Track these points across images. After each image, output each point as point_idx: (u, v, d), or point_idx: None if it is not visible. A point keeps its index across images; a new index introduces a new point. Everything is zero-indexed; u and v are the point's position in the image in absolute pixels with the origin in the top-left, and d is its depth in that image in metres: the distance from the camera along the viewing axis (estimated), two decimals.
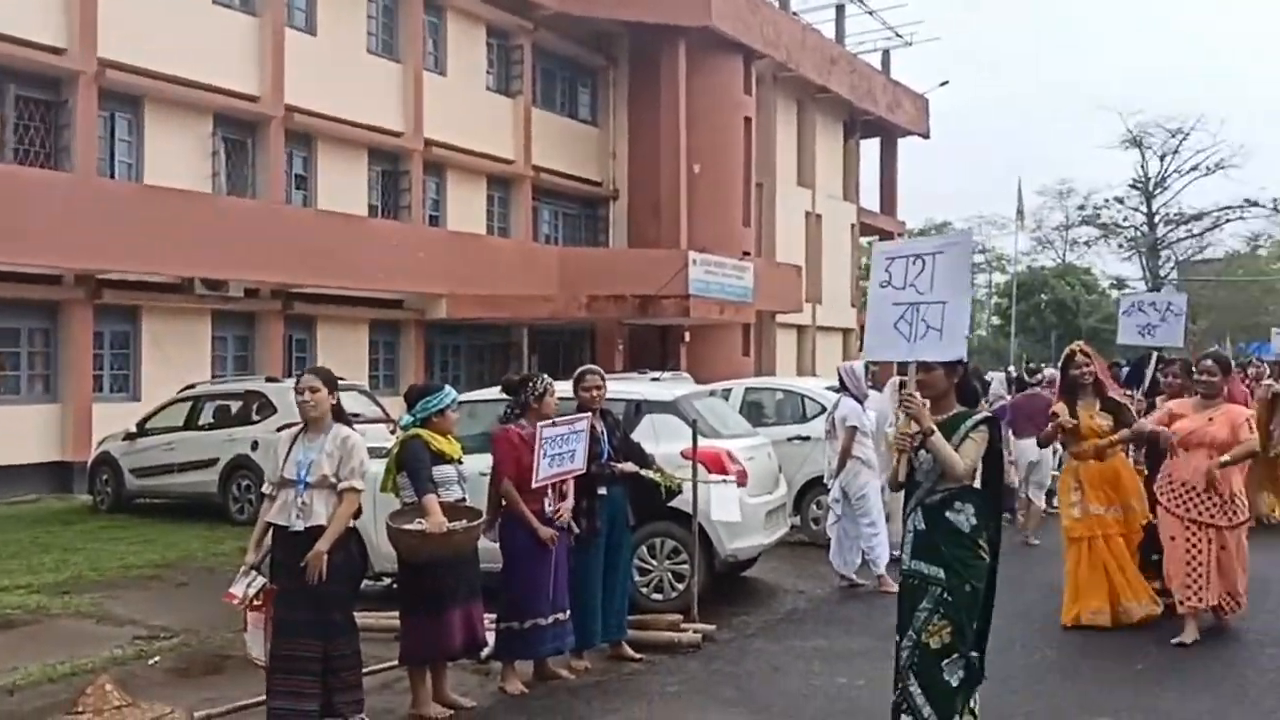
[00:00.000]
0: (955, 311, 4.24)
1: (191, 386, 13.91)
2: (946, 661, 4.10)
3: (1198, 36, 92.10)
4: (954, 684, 4.10)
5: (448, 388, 5.74)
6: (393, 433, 5.97)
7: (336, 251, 17.72)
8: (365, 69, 20.14)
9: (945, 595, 4.12)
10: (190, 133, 17.58)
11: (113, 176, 16.67)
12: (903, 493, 4.42)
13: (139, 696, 4.98)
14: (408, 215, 21.08)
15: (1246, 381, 11.57)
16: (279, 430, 5.50)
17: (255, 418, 12.59)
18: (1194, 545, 6.45)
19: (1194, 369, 6.88)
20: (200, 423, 13.12)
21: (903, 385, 4.44)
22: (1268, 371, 11.99)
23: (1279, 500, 11.00)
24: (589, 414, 6.05)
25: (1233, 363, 7.81)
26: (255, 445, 12.19)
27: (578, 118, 26.25)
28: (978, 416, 4.29)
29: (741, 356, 24.69)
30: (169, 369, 16.14)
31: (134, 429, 13.48)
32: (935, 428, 4.15)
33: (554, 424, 5.75)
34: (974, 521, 4.19)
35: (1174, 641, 6.40)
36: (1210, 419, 6.44)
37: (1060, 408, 7.11)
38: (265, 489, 5.14)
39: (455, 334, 22.20)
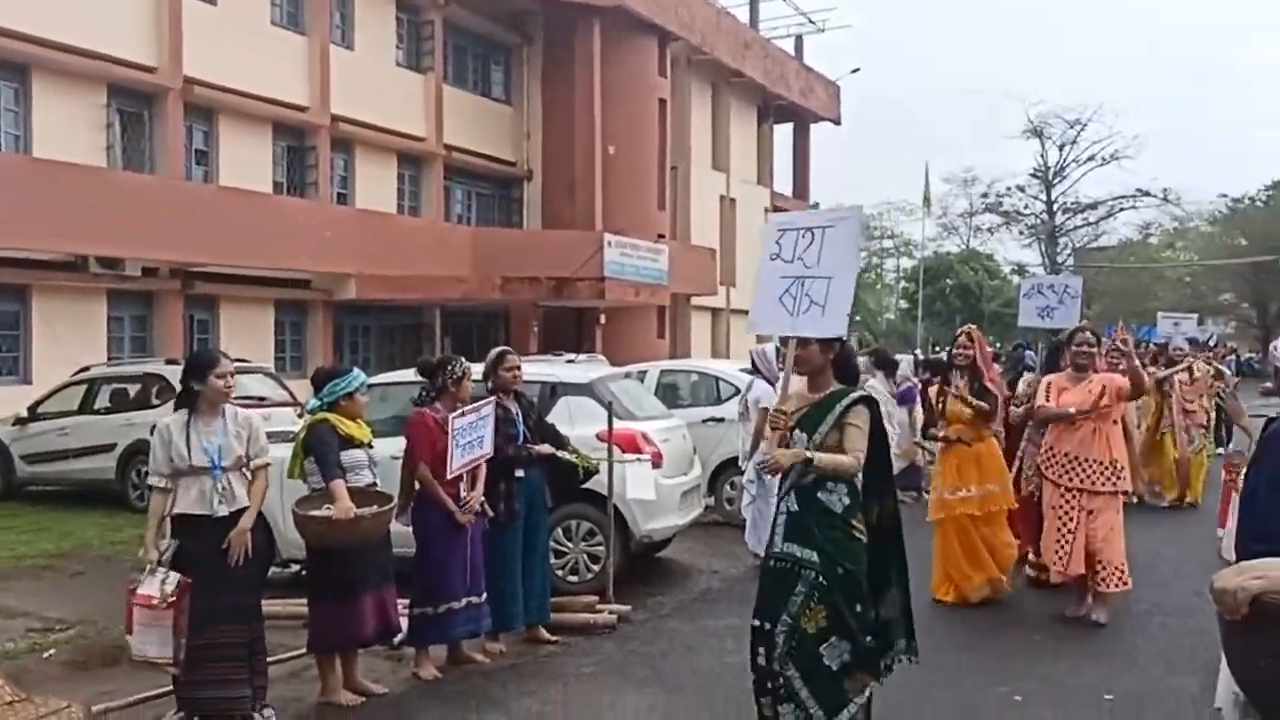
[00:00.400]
0: (840, 288, 4.21)
1: (86, 369, 13.39)
2: (825, 646, 3.99)
3: (1098, 29, 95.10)
4: (835, 668, 3.99)
5: (356, 370, 5.64)
6: (300, 416, 5.83)
7: (240, 229, 17.19)
8: (269, 41, 19.55)
9: (819, 579, 4.00)
10: (82, 104, 16.85)
11: None
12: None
13: (33, 691, 4.80)
14: (314, 193, 20.57)
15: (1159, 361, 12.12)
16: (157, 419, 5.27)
17: (155, 401, 12.16)
18: (1066, 513, 6.54)
19: (1069, 343, 7.02)
20: (96, 407, 12.64)
21: (770, 411, 4.33)
22: (1186, 350, 12.40)
23: (1166, 483, 11.30)
24: (493, 399, 5.97)
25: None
26: (154, 430, 11.76)
27: (491, 96, 25.92)
28: (854, 396, 4.19)
29: (656, 339, 24.76)
30: (62, 351, 15.50)
31: (25, 414, 12.93)
32: (814, 456, 4.06)
33: (462, 414, 5.66)
34: (846, 502, 4.08)
35: (1067, 614, 6.63)
36: (1090, 389, 6.59)
37: (934, 391, 7.50)
38: (156, 481, 4.88)
39: (365, 315, 21.79)
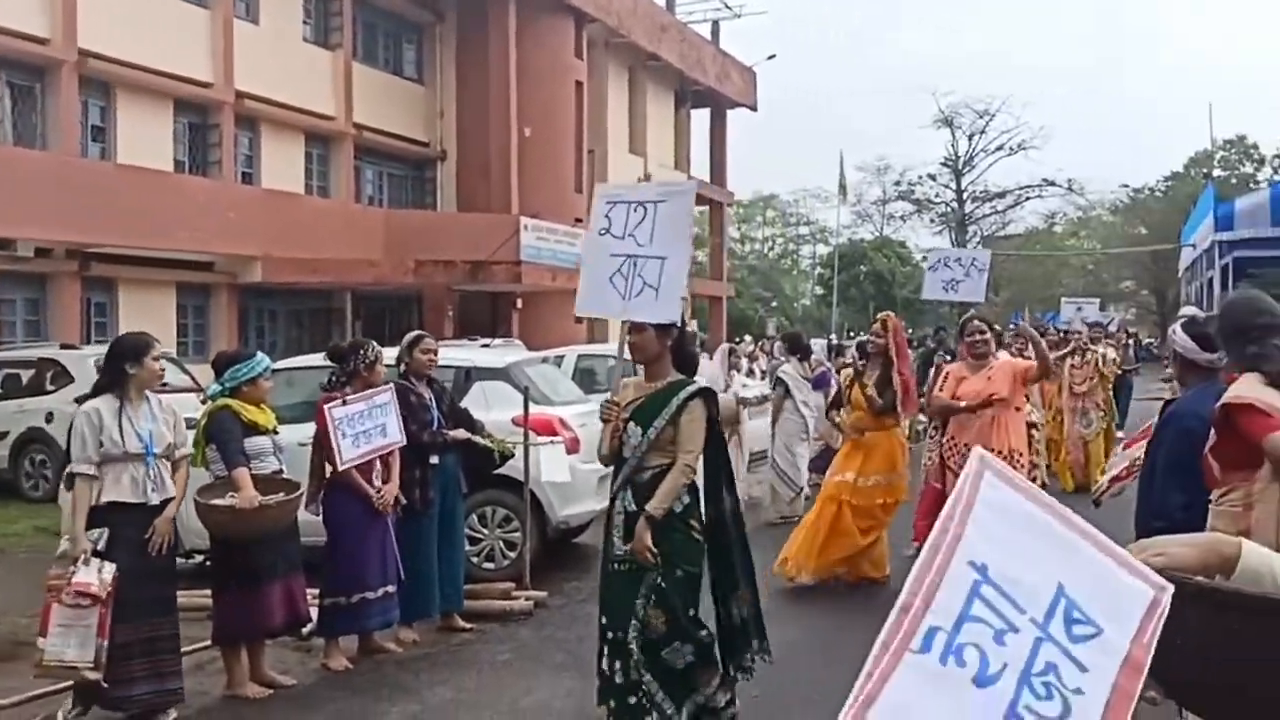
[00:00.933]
0: (674, 269, 3.99)
1: None
2: (667, 650, 3.91)
3: (1007, 21, 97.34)
4: (680, 667, 3.93)
5: (259, 354, 5.47)
6: (203, 403, 5.63)
7: (139, 209, 16.54)
8: (170, 13, 18.81)
9: (659, 582, 3.89)
10: None
11: None
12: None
13: None
14: (218, 172, 19.92)
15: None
16: (77, 401, 5.03)
17: (50, 387, 11.73)
18: None
19: (962, 333, 6.97)
20: None
21: (602, 403, 4.19)
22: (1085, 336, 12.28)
23: (1061, 471, 11.07)
24: (389, 386, 5.82)
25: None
26: (50, 417, 11.38)
27: (403, 75, 25.41)
28: (690, 389, 4.00)
29: (574, 324, 24.62)
30: None
31: None
32: (652, 513, 3.87)
33: (343, 402, 5.48)
34: (686, 501, 3.94)
35: None
36: (989, 377, 6.46)
37: (846, 374, 7.58)
38: (86, 468, 4.62)
39: (271, 298, 21.21)
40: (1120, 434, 13.25)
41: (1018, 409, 6.61)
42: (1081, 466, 10.99)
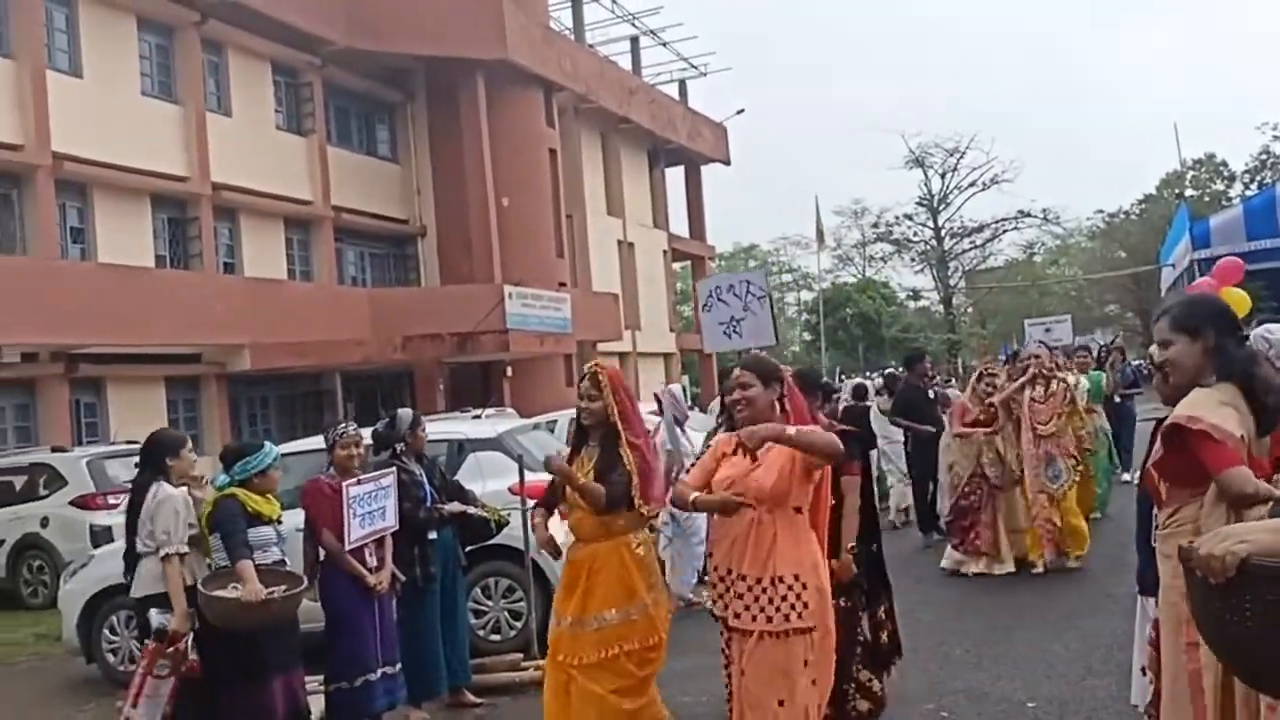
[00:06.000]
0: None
1: None
2: None
3: (970, 59, 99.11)
4: None
5: (268, 445, 5.40)
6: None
7: (123, 307, 16.60)
8: (141, 112, 19.06)
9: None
10: None
11: None
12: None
13: None
14: (199, 264, 20.02)
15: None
16: (134, 485, 5.44)
17: (43, 492, 11.63)
18: (726, 664, 3.94)
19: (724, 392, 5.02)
20: None
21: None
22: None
23: (1072, 543, 8.42)
24: (393, 469, 5.80)
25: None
26: (45, 522, 11.30)
27: (377, 155, 25.70)
28: None
29: (566, 387, 24.61)
30: None
31: None
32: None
33: (359, 481, 5.48)
34: None
35: None
36: (755, 459, 3.84)
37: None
38: (179, 548, 5.10)
39: (262, 386, 21.20)
40: (1126, 476, 11.55)
41: (798, 510, 3.82)
42: (1052, 534, 8.29)
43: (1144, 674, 3.74)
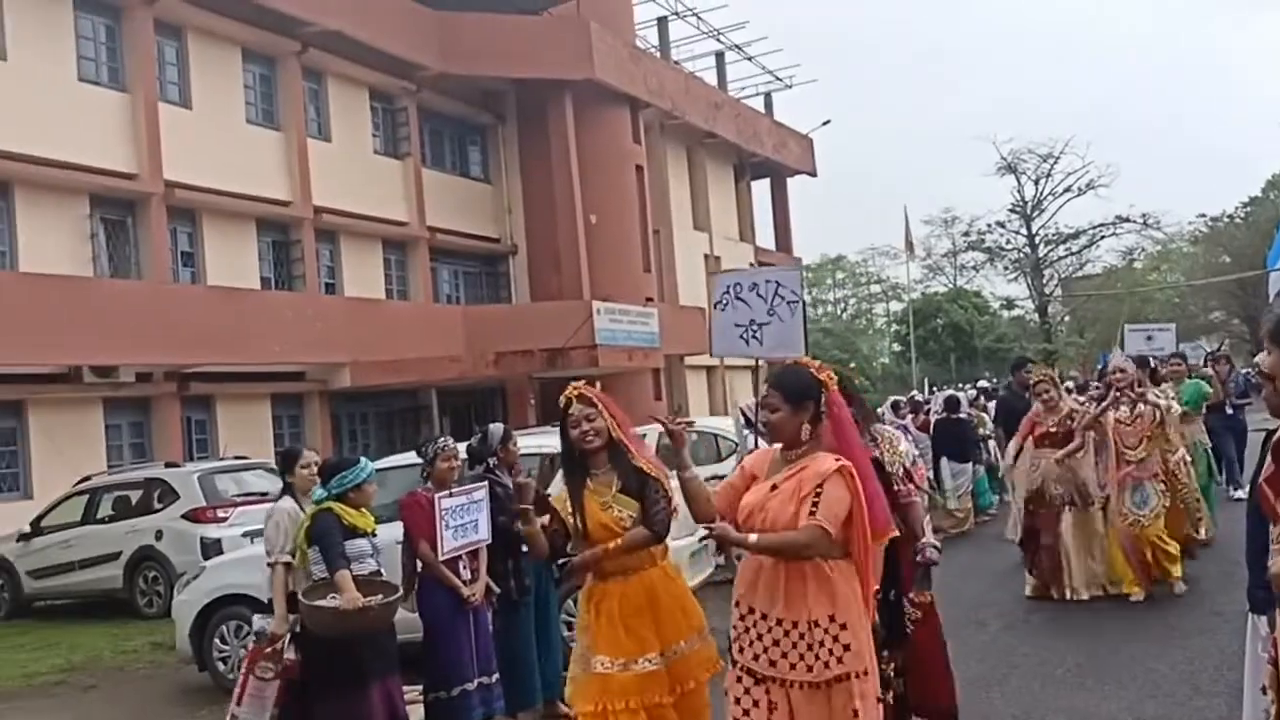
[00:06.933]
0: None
1: (87, 479, 13.36)
2: None
3: (1062, 62, 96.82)
4: None
5: (364, 460, 5.61)
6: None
7: (231, 327, 17.28)
8: (246, 139, 19.83)
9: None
10: (66, 215, 17.03)
11: None
12: None
13: None
14: (302, 285, 20.71)
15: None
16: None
17: (157, 506, 12.13)
18: (744, 712, 3.54)
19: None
20: (99, 516, 12.57)
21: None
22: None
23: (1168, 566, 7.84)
24: (485, 482, 5.94)
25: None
26: (160, 535, 11.76)
27: (470, 175, 26.24)
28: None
29: (654, 401, 24.76)
30: (62, 463, 15.45)
31: (28, 529, 12.85)
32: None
33: (451, 494, 5.63)
34: None
35: None
36: (774, 486, 3.53)
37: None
38: (283, 557, 5.49)
39: (361, 402, 21.79)
40: (1240, 494, 10.68)
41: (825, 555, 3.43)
42: (1142, 559, 7.74)
43: (1264, 693, 3.63)
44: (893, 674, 4.21)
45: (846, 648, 3.37)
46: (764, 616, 3.47)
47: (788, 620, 3.42)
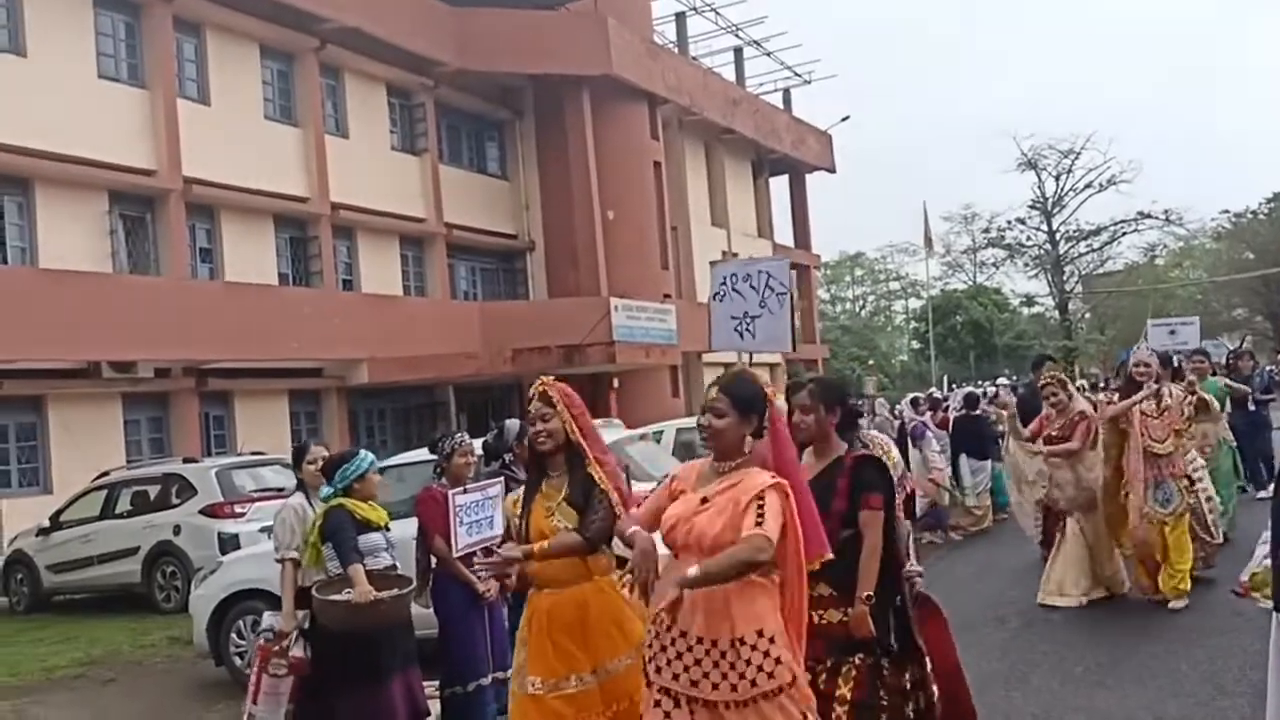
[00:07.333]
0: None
1: (106, 474, 13.42)
2: None
3: (1083, 58, 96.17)
4: None
5: (363, 452, 5.65)
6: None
7: (249, 323, 17.34)
8: (264, 135, 19.88)
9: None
10: (85, 212, 17.13)
11: (5, 262, 16.14)
12: None
13: None
14: (320, 281, 20.76)
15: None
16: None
17: (175, 501, 12.17)
18: None
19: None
20: (118, 511, 12.62)
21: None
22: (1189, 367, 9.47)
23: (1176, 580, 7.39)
24: (500, 479, 5.90)
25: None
26: (178, 530, 11.80)
27: (487, 172, 26.25)
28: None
29: (671, 398, 24.73)
30: (81, 458, 15.55)
31: (47, 523, 12.92)
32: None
33: (466, 491, 5.60)
34: None
35: None
36: (705, 499, 3.36)
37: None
38: (291, 554, 5.50)
39: (379, 398, 21.84)
40: (1262, 494, 10.18)
41: (760, 579, 3.27)
42: (1153, 558, 7.45)
43: None
44: (909, 686, 3.95)
45: (777, 661, 3.24)
46: (683, 634, 3.29)
47: (708, 639, 3.26)
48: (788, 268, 7.82)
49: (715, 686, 3.23)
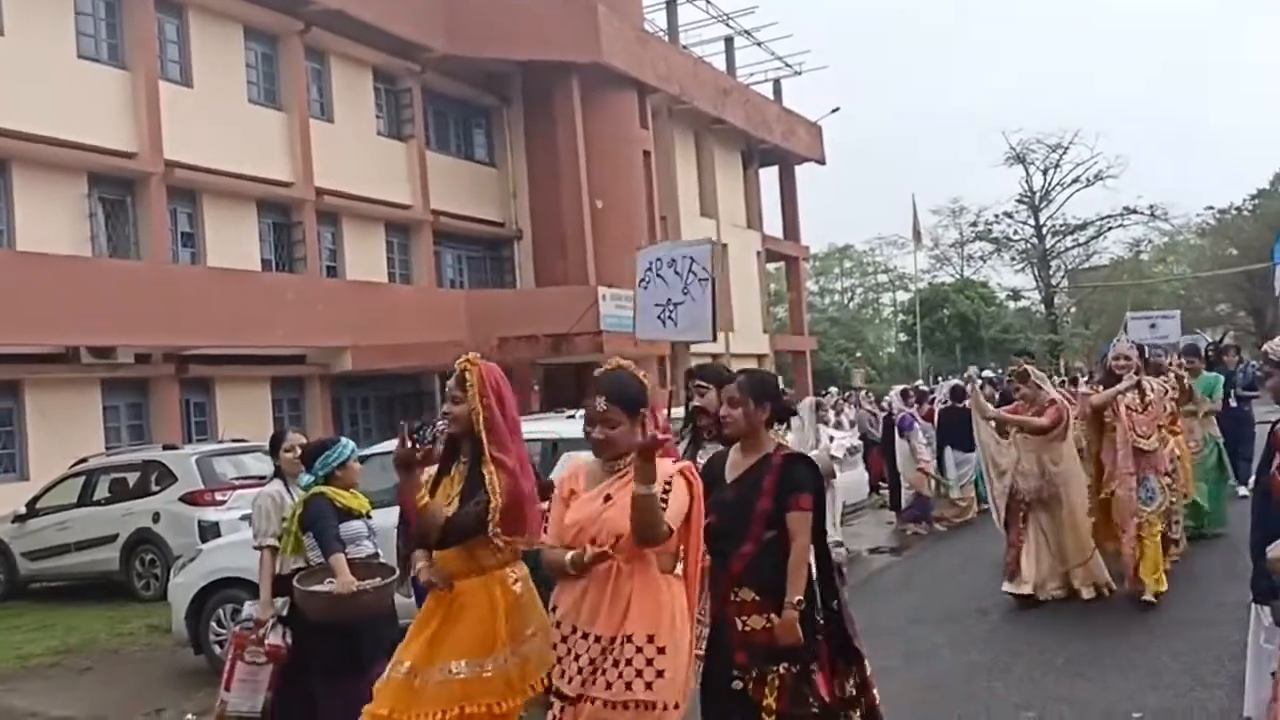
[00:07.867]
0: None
1: (84, 460, 13.30)
2: None
3: (1074, 50, 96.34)
4: None
5: (343, 440, 5.59)
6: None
7: (231, 309, 17.18)
8: (248, 119, 19.68)
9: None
10: (64, 194, 16.92)
11: None
12: None
13: None
14: (303, 267, 20.60)
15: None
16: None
17: (154, 488, 12.07)
18: None
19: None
20: (95, 498, 12.52)
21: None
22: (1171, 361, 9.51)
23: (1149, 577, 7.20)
24: None
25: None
26: (157, 517, 11.71)
27: (474, 159, 26.09)
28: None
29: (660, 388, 24.65)
30: (58, 444, 15.37)
31: (24, 510, 12.80)
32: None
33: None
34: None
35: None
36: (608, 496, 3.39)
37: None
38: (268, 541, 5.44)
39: (363, 386, 21.72)
40: (1243, 490, 10.12)
41: (663, 568, 3.36)
42: (1132, 555, 7.21)
43: (1273, 677, 3.58)
44: (854, 692, 3.70)
45: (660, 674, 3.14)
46: (584, 635, 3.26)
47: (606, 637, 3.21)
48: (710, 252, 7.52)
49: (585, 682, 3.22)
